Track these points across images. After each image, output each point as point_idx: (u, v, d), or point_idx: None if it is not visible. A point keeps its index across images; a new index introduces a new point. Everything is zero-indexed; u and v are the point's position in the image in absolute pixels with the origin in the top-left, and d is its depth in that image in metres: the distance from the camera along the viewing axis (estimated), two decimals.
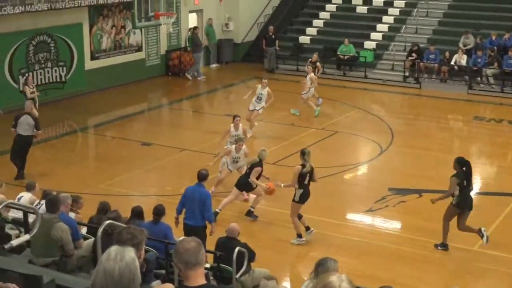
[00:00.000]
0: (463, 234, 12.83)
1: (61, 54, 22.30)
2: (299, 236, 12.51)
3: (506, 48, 24.48)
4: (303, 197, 12.52)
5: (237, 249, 9.54)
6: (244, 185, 13.53)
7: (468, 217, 12.28)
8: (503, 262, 11.96)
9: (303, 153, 12.57)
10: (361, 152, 18.30)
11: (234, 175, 14.39)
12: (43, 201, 10.16)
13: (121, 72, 24.47)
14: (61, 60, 22.32)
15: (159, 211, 10.29)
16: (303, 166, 12.44)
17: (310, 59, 23.67)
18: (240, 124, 15.54)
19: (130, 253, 3.96)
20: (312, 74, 20.85)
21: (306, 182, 12.52)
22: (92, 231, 9.82)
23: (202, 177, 11.42)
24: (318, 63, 23.51)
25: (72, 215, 10.52)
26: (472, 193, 15.15)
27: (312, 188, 14.69)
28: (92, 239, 9.23)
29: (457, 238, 12.67)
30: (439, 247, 12.24)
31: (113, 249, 3.98)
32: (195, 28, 27.11)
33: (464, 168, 12.25)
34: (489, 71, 24.16)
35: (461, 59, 24.32)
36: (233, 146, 14.51)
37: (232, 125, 15.45)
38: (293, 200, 12.57)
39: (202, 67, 28.02)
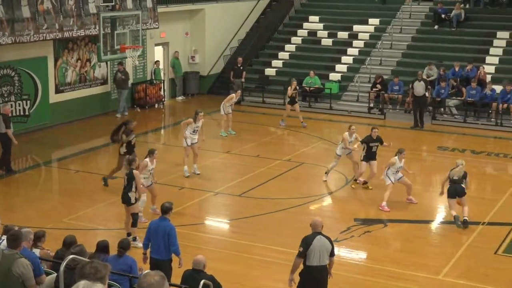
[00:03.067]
0: (428, 264, 12.92)
1: (25, 88, 22.14)
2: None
3: (468, 79, 24.91)
4: None
5: (202, 281, 9.46)
6: None
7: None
8: None
9: None
10: (327, 183, 18.35)
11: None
12: (4, 237, 10.00)
13: (86, 105, 24.38)
14: (25, 94, 22.16)
15: (124, 245, 10.19)
16: None
17: (289, 87, 23.78)
18: (202, 120, 18.08)
19: None
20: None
21: None
22: (56, 266, 9.67)
23: (165, 210, 11.30)
24: (297, 88, 23.89)
25: (37, 251, 10.39)
26: (437, 223, 15.38)
27: (277, 219, 14.73)
28: (55, 274, 9.08)
29: (422, 267, 12.74)
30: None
31: (81, 284, 3.94)
32: (155, 62, 27.17)
33: None
34: (451, 102, 24.52)
35: (431, 91, 24.64)
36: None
37: (192, 119, 17.88)
38: None
39: (168, 100, 28.06)
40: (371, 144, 17.05)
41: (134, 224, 13.58)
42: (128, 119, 18.31)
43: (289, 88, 23.71)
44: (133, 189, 13.53)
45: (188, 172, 18.01)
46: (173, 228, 11.17)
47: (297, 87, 23.86)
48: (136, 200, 13.66)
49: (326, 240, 10.27)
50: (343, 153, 17.59)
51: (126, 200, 13.60)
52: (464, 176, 14.86)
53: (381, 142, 17.20)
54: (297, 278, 10.49)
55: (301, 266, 10.35)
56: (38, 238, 10.63)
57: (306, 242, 10.18)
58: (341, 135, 17.94)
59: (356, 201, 16.67)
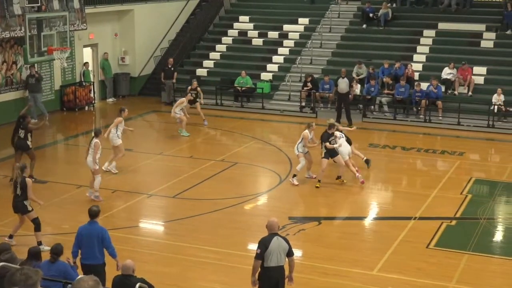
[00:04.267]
0: (362, 260, 13.09)
1: None
2: None
3: (397, 76, 25.37)
4: None
5: (138, 284, 9.35)
6: None
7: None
8: (401, 284, 12.22)
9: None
10: (261, 182, 18.41)
11: None
12: None
13: (14, 108, 23.76)
14: None
15: (57, 250, 10.00)
16: None
17: (190, 87, 23.96)
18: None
19: None
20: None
21: None
22: None
23: (94, 214, 11.10)
24: (198, 88, 24.01)
25: None
26: (370, 219, 15.61)
27: (212, 220, 14.69)
28: None
29: (356, 263, 12.90)
30: None
31: None
32: (84, 63, 26.75)
33: None
34: (384, 99, 24.92)
35: (355, 88, 24.99)
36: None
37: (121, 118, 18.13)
38: None
39: (98, 102, 27.67)
40: (330, 140, 17.08)
41: (38, 229, 13.39)
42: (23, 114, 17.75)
43: (189, 88, 24.08)
44: (27, 196, 13.34)
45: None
46: (106, 231, 11.02)
47: (198, 87, 24.04)
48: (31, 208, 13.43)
49: (283, 240, 10.25)
50: (303, 151, 17.63)
51: (21, 209, 13.40)
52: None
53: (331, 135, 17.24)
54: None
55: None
56: None
57: (264, 244, 10.12)
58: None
59: (290, 200, 16.76)
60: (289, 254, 10.33)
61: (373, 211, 16.24)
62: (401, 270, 12.69)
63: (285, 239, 10.42)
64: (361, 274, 12.58)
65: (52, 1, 23.37)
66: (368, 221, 15.58)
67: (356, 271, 12.66)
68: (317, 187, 17.25)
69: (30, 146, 17.23)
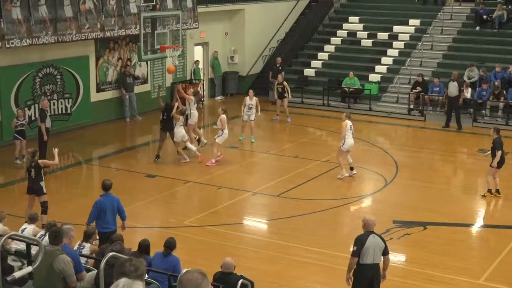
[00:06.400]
0: (469, 268, 12.78)
1: (67, 86, 22.43)
2: None
3: (510, 81, 24.54)
4: None
5: (240, 281, 9.49)
6: None
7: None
8: None
9: None
10: (366, 185, 18.25)
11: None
12: (45, 233, 10.18)
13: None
14: (67, 92, 22.46)
15: (171, 244, 10.33)
16: None
17: (276, 82, 24.27)
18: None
19: (139, 287, 3.92)
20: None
21: None
22: (98, 263, 9.79)
23: (108, 186, 12.33)
24: (285, 83, 24.09)
25: (87, 245, 10.64)
26: (477, 226, 15.21)
27: (316, 220, 14.68)
28: (95, 271, 9.20)
29: (462, 271, 12.60)
30: None
31: (122, 281, 3.95)
32: (195, 61, 27.32)
33: None
34: (501, 104, 24.15)
35: (466, 92, 24.36)
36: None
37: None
38: None
39: (207, 99, 28.19)
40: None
41: (45, 212, 13.98)
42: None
43: (275, 82, 24.46)
44: (43, 178, 14.11)
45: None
46: (119, 199, 12.35)
47: (284, 82, 24.23)
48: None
49: (379, 238, 10.34)
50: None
51: (37, 190, 14.03)
52: None
53: None
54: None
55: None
56: (89, 235, 10.93)
57: (360, 241, 10.24)
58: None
59: (395, 203, 16.51)
60: (385, 252, 10.38)
61: (480, 218, 15.80)
62: (509, 281, 12.29)
63: (381, 237, 10.48)
64: (466, 283, 12.28)
65: (166, 0, 24.03)
66: (475, 229, 15.18)
67: (462, 279, 12.36)
68: (484, 196, 16.70)
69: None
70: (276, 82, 24.28)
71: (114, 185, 14.12)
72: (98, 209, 12.20)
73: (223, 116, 18.56)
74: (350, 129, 17.79)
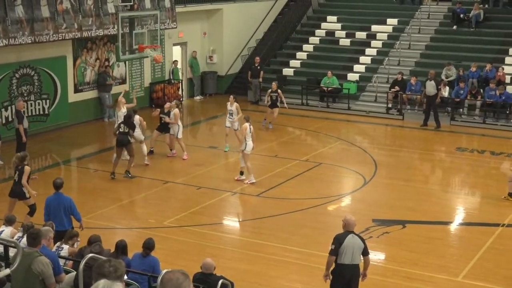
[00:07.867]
0: (447, 265, 12.86)
1: (45, 87, 22.26)
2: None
3: (487, 79, 24.74)
4: None
5: (220, 281, 9.48)
6: None
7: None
8: None
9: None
10: (345, 184, 18.32)
11: None
12: (20, 234, 10.10)
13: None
14: (44, 93, 22.28)
15: (149, 245, 10.30)
16: None
17: (270, 89, 23.57)
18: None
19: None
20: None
21: None
22: (77, 264, 9.72)
23: (59, 186, 12.19)
24: (279, 90, 23.40)
25: (66, 247, 10.56)
26: (456, 224, 15.31)
27: (295, 219, 14.68)
28: (74, 273, 9.13)
29: (441, 269, 12.67)
30: None
31: (101, 282, 3.93)
32: (173, 61, 27.24)
33: None
34: (478, 103, 24.32)
35: (443, 91, 24.52)
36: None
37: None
38: None
39: (186, 99, 28.13)
40: None
41: (31, 214, 13.92)
42: None
43: (269, 90, 23.57)
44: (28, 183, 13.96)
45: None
46: (72, 200, 12.20)
47: (279, 90, 23.34)
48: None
49: (358, 239, 10.28)
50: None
51: (19, 194, 13.90)
52: None
53: None
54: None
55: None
56: (70, 237, 10.86)
57: (338, 240, 10.18)
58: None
59: (374, 202, 16.57)
60: (365, 253, 10.34)
61: (459, 216, 15.91)
62: (487, 278, 12.39)
63: (361, 237, 10.42)
64: (445, 280, 12.36)
65: (144, 0, 23.92)
66: (454, 227, 15.28)
67: (441, 277, 12.44)
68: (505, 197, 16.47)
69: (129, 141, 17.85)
70: (270, 90, 23.50)
71: (92, 186, 14.09)
72: (47, 207, 12.22)
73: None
74: (250, 132, 17.41)
